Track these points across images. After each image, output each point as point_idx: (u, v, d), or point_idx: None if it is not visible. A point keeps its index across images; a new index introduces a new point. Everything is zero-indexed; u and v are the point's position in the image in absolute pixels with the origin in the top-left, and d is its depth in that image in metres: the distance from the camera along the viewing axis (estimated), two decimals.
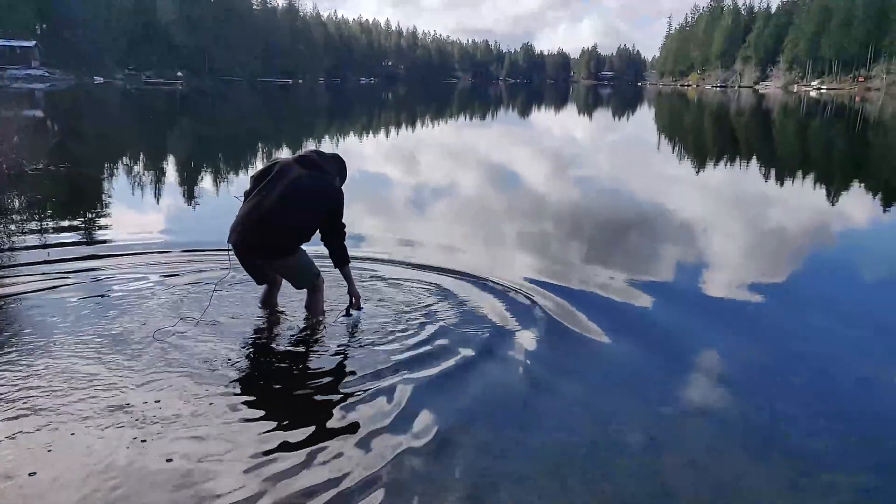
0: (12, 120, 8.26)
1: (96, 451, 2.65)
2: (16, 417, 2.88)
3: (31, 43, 63.45)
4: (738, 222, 8.24)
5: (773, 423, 3.13)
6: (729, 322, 4.53)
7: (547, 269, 5.52)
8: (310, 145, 16.58)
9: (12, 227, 6.05)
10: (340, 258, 3.94)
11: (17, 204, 6.92)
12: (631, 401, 3.30)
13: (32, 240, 5.99)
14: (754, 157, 16.15)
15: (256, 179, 3.85)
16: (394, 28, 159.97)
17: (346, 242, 3.96)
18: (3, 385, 3.15)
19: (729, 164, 14.75)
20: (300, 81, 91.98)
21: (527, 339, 3.97)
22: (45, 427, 2.81)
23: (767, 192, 10.65)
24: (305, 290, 4.10)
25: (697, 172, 13.14)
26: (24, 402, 3.00)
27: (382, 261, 5.52)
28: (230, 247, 3.86)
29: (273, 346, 3.81)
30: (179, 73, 77.92)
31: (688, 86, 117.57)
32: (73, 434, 2.77)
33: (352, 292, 4.02)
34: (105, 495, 2.40)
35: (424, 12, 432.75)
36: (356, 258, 5.29)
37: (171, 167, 12.62)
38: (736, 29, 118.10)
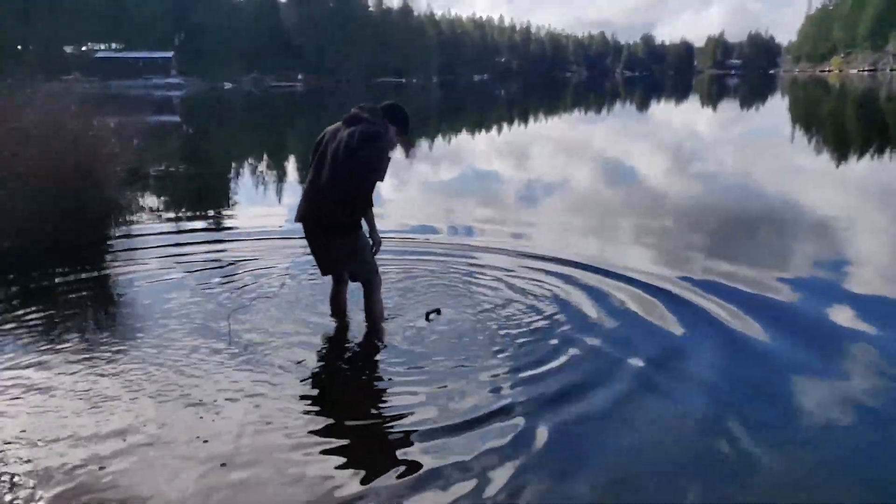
0: (134, 125, 8.70)
1: (161, 445, 2.67)
2: (96, 405, 2.98)
3: (170, 54, 69.14)
4: (887, 219, 7.15)
5: None
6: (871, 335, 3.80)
7: (676, 266, 5.14)
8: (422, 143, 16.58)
9: (122, 221, 6.36)
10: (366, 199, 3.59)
11: (134, 204, 7.22)
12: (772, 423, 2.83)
13: (141, 230, 6.39)
14: None
15: (313, 154, 3.70)
16: (507, 23, 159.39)
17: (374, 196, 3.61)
18: (81, 373, 3.28)
19: (877, 156, 13.07)
20: (413, 80, 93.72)
21: (650, 344, 3.61)
22: (125, 415, 2.88)
23: None
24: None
25: (837, 166, 11.74)
26: (103, 391, 3.10)
27: (486, 247, 5.48)
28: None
29: (345, 353, 3.64)
30: (300, 76, 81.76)
31: (828, 71, 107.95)
32: (145, 425, 2.82)
33: (373, 237, 3.71)
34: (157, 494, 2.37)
35: (539, 7, 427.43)
36: (469, 247, 5.42)
37: (289, 165, 13.05)
38: (890, 5, 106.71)
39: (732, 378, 3.29)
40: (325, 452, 2.64)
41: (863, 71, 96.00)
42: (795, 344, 3.67)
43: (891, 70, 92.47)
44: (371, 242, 3.70)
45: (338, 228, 3.57)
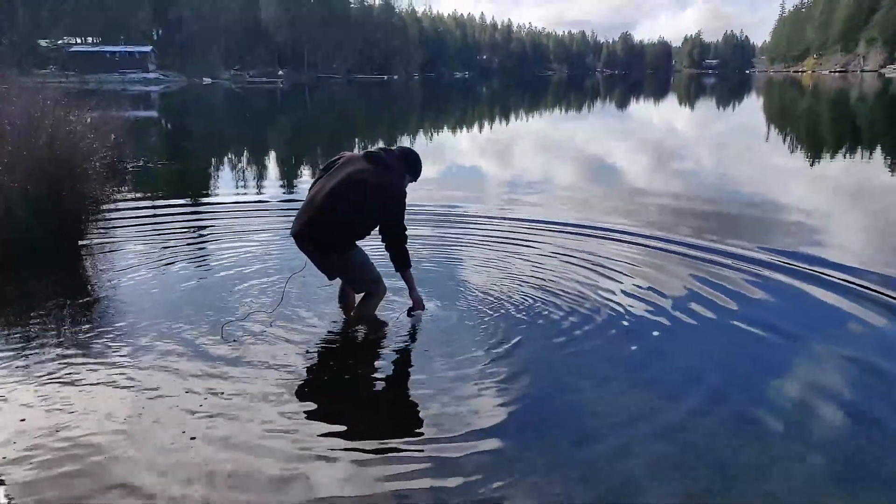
0: (114, 120, 8.59)
1: (148, 445, 2.67)
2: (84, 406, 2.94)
3: (148, 48, 68.04)
4: (862, 215, 7.33)
5: None
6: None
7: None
8: (404, 140, 16.61)
9: (101, 216, 6.23)
10: (401, 261, 3.74)
11: (113, 198, 7.09)
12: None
13: (122, 224, 6.28)
14: (878, 146, 14.56)
15: (322, 170, 3.76)
16: (489, 21, 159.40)
17: (407, 245, 3.74)
18: (68, 369, 3.20)
19: (848, 155, 13.35)
20: (395, 77, 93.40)
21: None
22: (120, 408, 2.93)
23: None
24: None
25: (812, 165, 11.99)
26: (90, 392, 3.06)
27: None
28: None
29: (353, 354, 3.61)
30: (280, 72, 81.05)
31: (802, 72, 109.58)
32: (140, 416, 2.87)
33: (413, 297, 3.83)
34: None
35: (521, 6, 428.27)
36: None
37: (269, 162, 12.98)
38: (859, 8, 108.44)
39: None
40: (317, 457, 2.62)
41: (834, 72, 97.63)
42: None
43: (861, 71, 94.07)
44: (363, 260, 3.72)
45: (330, 248, 3.63)
